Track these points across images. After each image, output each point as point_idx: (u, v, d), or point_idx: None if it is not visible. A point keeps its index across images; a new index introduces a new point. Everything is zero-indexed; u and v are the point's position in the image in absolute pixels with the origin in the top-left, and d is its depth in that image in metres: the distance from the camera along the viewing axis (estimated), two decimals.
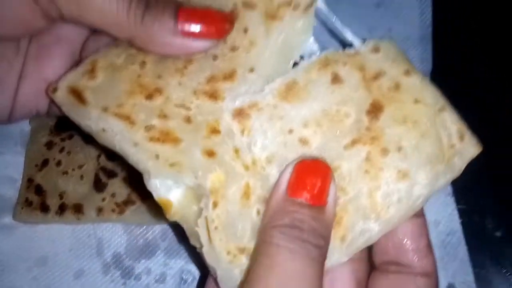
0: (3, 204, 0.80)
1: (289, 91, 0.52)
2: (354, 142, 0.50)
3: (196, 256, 0.64)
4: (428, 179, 0.50)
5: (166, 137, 0.51)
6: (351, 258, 0.50)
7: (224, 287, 0.50)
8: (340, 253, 0.50)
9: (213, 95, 0.53)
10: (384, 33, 0.94)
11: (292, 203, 0.47)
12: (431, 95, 0.51)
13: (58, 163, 0.81)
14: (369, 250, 0.55)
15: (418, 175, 0.50)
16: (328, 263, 0.48)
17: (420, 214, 0.53)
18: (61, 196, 0.79)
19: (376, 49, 0.53)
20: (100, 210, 0.78)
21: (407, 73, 0.51)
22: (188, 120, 0.52)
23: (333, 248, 0.49)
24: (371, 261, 0.55)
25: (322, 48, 0.56)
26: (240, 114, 0.51)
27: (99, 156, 0.81)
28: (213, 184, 0.50)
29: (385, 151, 0.50)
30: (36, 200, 0.79)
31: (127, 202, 0.79)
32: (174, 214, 0.52)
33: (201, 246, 0.51)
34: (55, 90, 0.55)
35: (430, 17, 0.94)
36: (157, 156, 0.51)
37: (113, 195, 0.79)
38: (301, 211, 0.46)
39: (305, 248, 0.45)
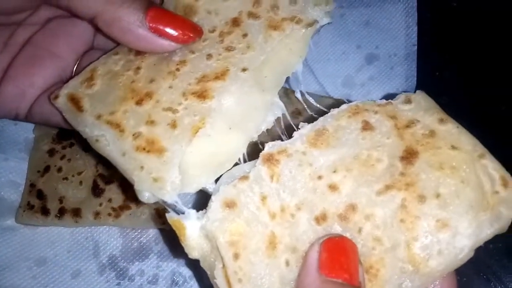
0: (6, 207, 0.85)
1: (319, 138, 0.51)
2: (387, 188, 0.48)
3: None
4: (472, 228, 0.46)
5: (152, 147, 0.51)
6: None
7: None
8: None
9: (202, 95, 0.53)
10: (371, 51, 0.98)
11: (334, 285, 0.44)
12: (469, 142, 0.49)
13: (59, 170, 0.85)
14: None
15: (460, 224, 0.46)
16: None
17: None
18: (60, 200, 0.83)
19: (408, 100, 0.52)
20: (97, 214, 0.82)
21: (441, 121, 0.50)
22: (173, 125, 0.52)
23: None
24: None
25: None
26: (269, 159, 0.50)
27: (97, 163, 0.85)
28: (231, 237, 0.48)
29: (421, 198, 0.47)
30: (37, 204, 0.83)
31: (123, 207, 0.83)
32: (191, 247, 0.50)
33: None
34: (56, 97, 0.57)
35: (415, 36, 0.98)
36: (141, 167, 0.51)
37: (109, 200, 0.83)
38: None
39: None
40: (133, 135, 0.52)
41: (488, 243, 0.83)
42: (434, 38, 1.01)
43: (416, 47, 0.98)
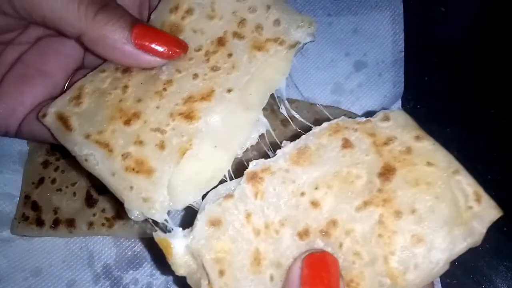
0: (2, 219, 0.86)
1: (301, 156, 0.52)
2: (366, 204, 0.49)
3: None
4: (446, 243, 0.47)
5: (141, 167, 0.52)
6: None
7: None
8: None
9: (189, 116, 0.54)
10: (359, 58, 1.00)
11: None
12: (444, 158, 0.50)
13: (53, 181, 0.87)
14: None
15: (435, 239, 0.47)
16: None
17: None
18: (55, 211, 0.85)
19: (386, 118, 0.53)
20: (91, 224, 0.84)
21: (417, 138, 0.51)
22: (161, 146, 0.53)
23: None
24: None
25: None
26: (253, 177, 0.51)
27: (90, 174, 0.86)
28: (216, 254, 0.50)
29: (398, 214, 0.48)
30: (32, 215, 0.85)
31: (116, 217, 0.84)
32: (178, 265, 0.52)
33: None
34: (44, 115, 0.57)
35: (402, 43, 1.00)
36: (131, 188, 0.52)
37: (103, 210, 0.85)
38: None
39: None
40: (122, 155, 0.53)
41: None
42: (422, 43, 1.03)
43: (403, 53, 0.99)
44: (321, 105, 0.96)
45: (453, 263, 0.83)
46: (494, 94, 0.98)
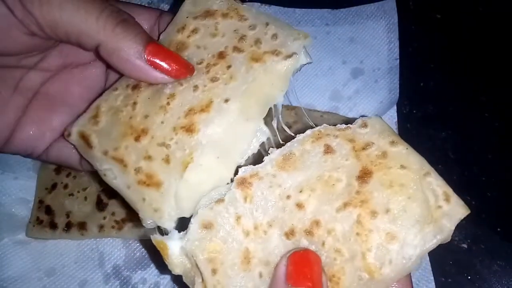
0: (17, 222, 0.90)
1: (287, 161, 0.55)
2: (345, 205, 0.53)
3: None
4: (418, 240, 0.50)
5: (151, 181, 0.56)
6: None
7: None
8: None
9: (190, 129, 0.56)
10: (356, 65, 1.04)
11: None
12: (416, 162, 0.53)
13: (65, 186, 0.91)
14: None
15: (407, 236, 0.50)
16: None
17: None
18: (67, 215, 0.89)
19: (364, 125, 0.56)
20: (101, 227, 0.88)
21: (392, 143, 0.55)
22: (167, 160, 0.56)
23: None
24: None
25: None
26: (243, 183, 0.55)
27: (101, 179, 0.90)
28: (209, 254, 0.53)
29: (374, 214, 0.51)
30: (46, 219, 0.89)
31: (125, 220, 0.88)
32: (174, 265, 0.55)
33: None
34: (69, 134, 0.61)
35: (397, 51, 1.03)
36: (144, 199, 0.56)
37: (113, 213, 0.89)
38: None
39: None
40: (135, 170, 0.57)
41: (471, 244, 0.89)
42: (418, 49, 1.06)
43: (398, 61, 1.02)
44: (320, 111, 0.99)
45: (447, 262, 0.88)
46: (488, 99, 1.01)
